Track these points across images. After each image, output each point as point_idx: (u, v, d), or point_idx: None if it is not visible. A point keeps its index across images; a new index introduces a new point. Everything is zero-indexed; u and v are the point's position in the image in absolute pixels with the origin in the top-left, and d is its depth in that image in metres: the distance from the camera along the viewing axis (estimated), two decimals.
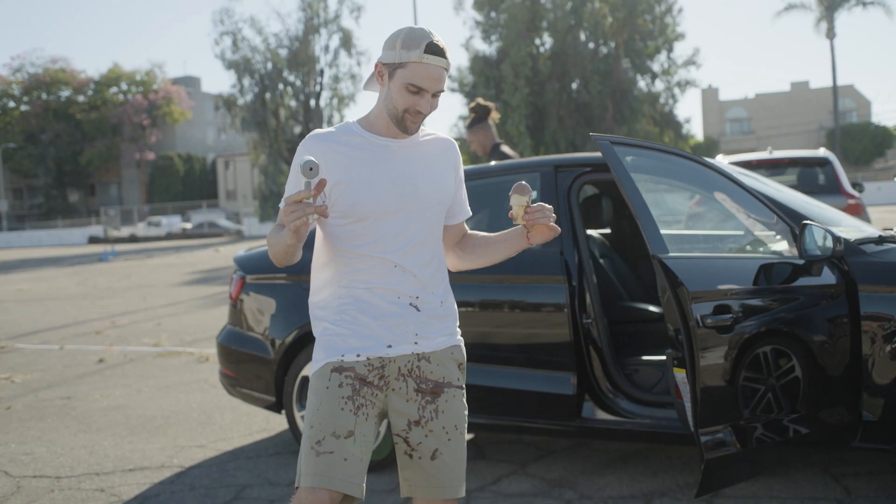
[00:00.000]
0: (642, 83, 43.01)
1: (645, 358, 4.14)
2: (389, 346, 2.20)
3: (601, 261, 4.80)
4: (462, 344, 2.35)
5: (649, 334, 4.47)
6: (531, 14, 40.15)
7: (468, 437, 4.69)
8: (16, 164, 60.50)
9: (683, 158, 3.63)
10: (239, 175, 64.91)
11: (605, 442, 4.39)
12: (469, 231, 2.44)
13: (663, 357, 3.90)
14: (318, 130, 2.25)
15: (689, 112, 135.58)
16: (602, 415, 3.83)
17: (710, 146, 53.12)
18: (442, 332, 2.27)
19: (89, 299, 14.37)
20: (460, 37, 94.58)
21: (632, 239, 5.28)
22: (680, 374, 3.10)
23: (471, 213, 2.41)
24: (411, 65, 2.11)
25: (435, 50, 2.12)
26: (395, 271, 2.20)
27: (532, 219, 2.16)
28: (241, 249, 5.10)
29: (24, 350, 8.78)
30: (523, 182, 2.16)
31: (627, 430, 3.79)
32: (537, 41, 41.37)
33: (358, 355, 2.18)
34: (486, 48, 42.16)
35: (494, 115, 5.72)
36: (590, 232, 4.92)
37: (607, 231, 5.42)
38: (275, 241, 2.10)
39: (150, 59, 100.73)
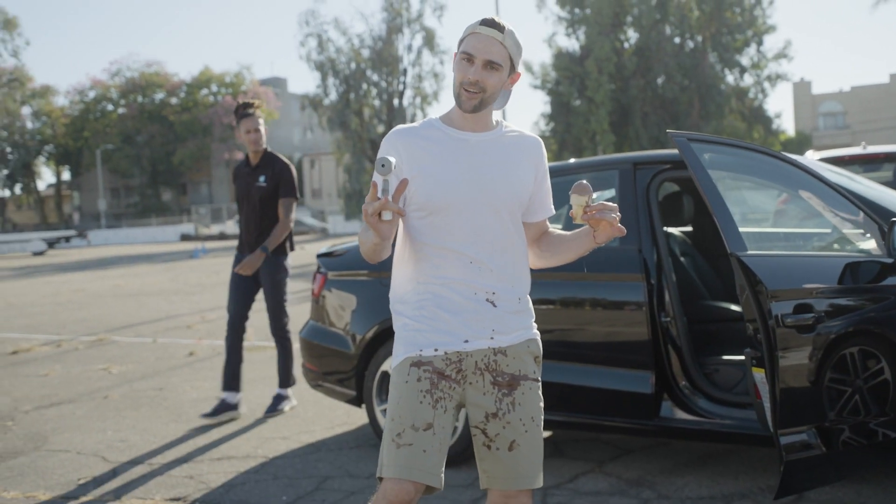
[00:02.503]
0: (730, 78, 41.95)
1: (725, 357, 4.07)
2: (466, 341, 2.24)
3: (682, 259, 4.74)
4: (538, 338, 2.37)
5: (731, 333, 4.39)
6: (616, 9, 39.63)
7: (546, 434, 4.71)
8: (113, 165, 62.94)
9: (765, 155, 3.56)
10: (324, 174, 66.07)
11: (684, 442, 4.34)
12: (550, 229, 2.46)
13: (743, 357, 3.84)
14: (400, 126, 2.32)
15: (780, 107, 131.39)
16: (681, 414, 3.80)
17: (802, 142, 51.43)
18: (518, 327, 2.30)
19: (181, 295, 14.87)
20: (543, 33, 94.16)
21: (714, 237, 5.18)
22: (759, 374, 3.06)
23: (553, 212, 2.42)
24: (466, 38, 2.21)
25: (488, 22, 2.20)
26: (472, 267, 2.24)
27: (590, 218, 2.16)
28: (324, 247, 5.23)
29: (120, 342, 9.17)
30: (584, 181, 2.16)
31: (707, 431, 3.74)
32: (621, 36, 40.80)
33: (436, 350, 2.23)
34: (570, 44, 41.80)
35: None
36: (671, 230, 4.87)
37: (689, 229, 5.34)
38: (364, 240, 2.18)
39: (239, 62, 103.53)
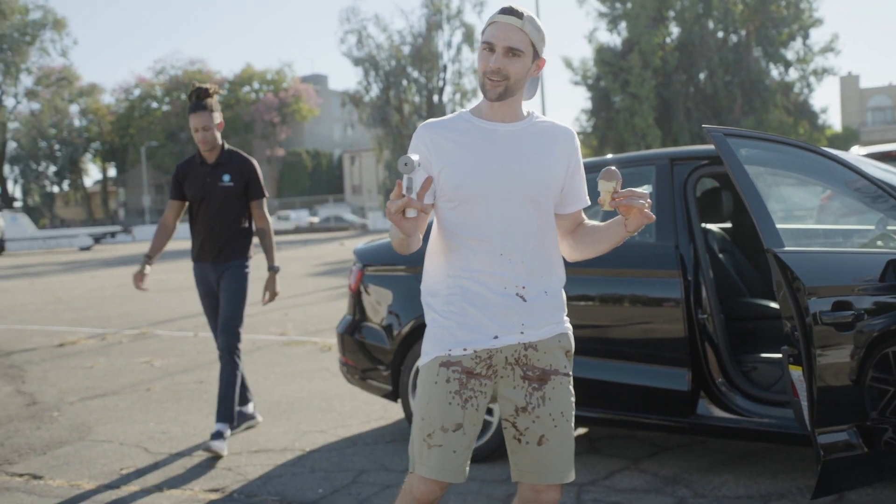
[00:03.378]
0: (775, 72, 41.27)
1: (764, 355, 4.03)
2: (496, 337, 2.24)
3: (720, 255, 4.69)
4: (570, 332, 2.36)
5: (770, 331, 4.34)
6: (658, 3, 39.21)
7: (581, 430, 4.69)
8: (157, 162, 63.88)
9: (804, 150, 3.51)
10: (364, 170, 66.40)
11: (721, 440, 4.30)
12: (585, 221, 2.43)
13: (781, 354, 3.79)
14: (430, 119, 2.33)
15: (827, 101, 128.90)
16: (717, 412, 3.76)
17: (850, 137, 50.47)
18: (549, 321, 2.29)
19: None
20: (584, 29, 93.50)
21: (753, 233, 5.12)
22: (796, 372, 3.02)
23: (588, 203, 2.39)
24: (487, 28, 2.23)
25: (506, 10, 2.21)
26: (501, 259, 2.23)
27: (619, 204, 2.12)
28: (363, 242, 5.26)
29: (162, 336, 9.32)
30: (611, 167, 2.14)
31: (744, 429, 3.70)
32: (664, 31, 40.37)
33: (465, 349, 2.24)
34: (611, 39, 41.46)
35: None
36: (709, 226, 4.82)
37: (728, 225, 5.28)
38: (392, 233, 2.20)
39: (280, 59, 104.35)
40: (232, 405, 4.66)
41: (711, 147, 4.02)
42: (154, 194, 70.96)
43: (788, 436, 3.56)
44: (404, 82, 42.29)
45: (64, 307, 13.00)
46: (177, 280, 17.59)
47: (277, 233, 50.06)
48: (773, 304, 4.48)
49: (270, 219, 4.87)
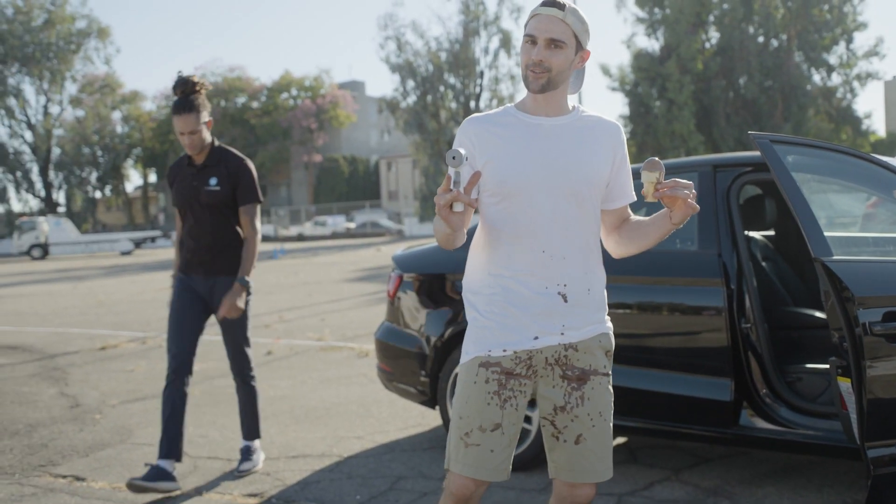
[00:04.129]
0: (816, 77, 40.65)
1: (809, 366, 3.95)
2: (536, 338, 2.23)
3: (763, 264, 4.61)
4: (610, 332, 2.34)
5: (815, 341, 4.25)
6: (698, 8, 38.85)
7: (621, 440, 4.64)
8: None
9: (853, 157, 3.43)
10: (401, 176, 66.61)
11: (764, 452, 4.22)
12: (631, 216, 2.41)
13: (828, 365, 3.71)
14: (475, 114, 2.33)
15: (870, 106, 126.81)
16: (761, 423, 3.69)
17: (894, 142, 49.52)
18: (590, 321, 2.27)
19: (259, 294, 15.18)
20: (622, 34, 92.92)
21: (798, 241, 5.03)
22: (845, 384, 2.95)
23: (634, 198, 2.36)
24: (529, 21, 2.22)
25: (548, 3, 2.19)
26: (543, 257, 2.21)
27: (661, 195, 2.09)
28: (400, 248, 5.25)
29: (200, 340, 9.39)
30: (655, 158, 2.11)
31: (789, 441, 3.63)
32: (703, 36, 39.98)
33: (504, 350, 2.23)
34: (649, 45, 41.15)
35: None
36: (753, 234, 4.75)
37: (771, 233, 5.19)
38: (437, 228, 2.19)
39: (318, 66, 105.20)
40: (257, 420, 4.47)
41: (755, 153, 3.96)
42: None
43: (835, 448, 3.48)
44: (441, 88, 42.38)
45: (105, 311, 13.20)
46: None
47: (314, 238, 50.46)
48: (819, 314, 4.39)
49: (260, 228, 4.33)
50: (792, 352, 4.14)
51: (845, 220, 6.70)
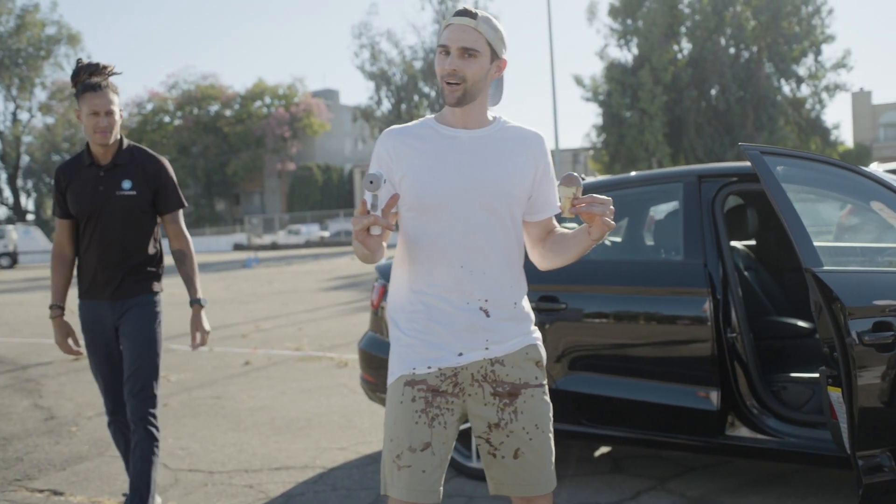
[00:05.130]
0: (786, 88, 41.24)
1: (794, 375, 3.97)
2: (460, 354, 2.19)
3: (745, 273, 4.64)
4: (538, 342, 2.29)
5: (798, 350, 4.29)
6: (670, 19, 39.28)
7: (605, 449, 4.64)
8: None
9: (837, 167, 3.47)
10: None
11: (750, 461, 4.24)
12: (557, 228, 2.36)
13: (814, 374, 3.74)
14: (394, 126, 2.28)
15: (839, 117, 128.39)
16: (747, 432, 3.71)
17: (862, 153, 50.29)
18: (515, 334, 2.24)
19: (235, 304, 15.06)
20: (595, 45, 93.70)
21: (778, 251, 5.09)
22: (835, 393, 2.97)
23: (559, 210, 2.28)
24: (442, 32, 2.18)
25: (461, 12, 2.16)
26: (463, 272, 2.17)
27: (578, 210, 2.04)
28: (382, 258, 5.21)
29: (177, 351, 9.30)
30: (572, 173, 2.07)
31: (775, 450, 3.64)
32: (675, 47, 40.40)
33: (429, 367, 2.18)
34: (622, 56, 41.51)
35: None
36: (734, 243, 4.78)
37: (752, 243, 5.24)
38: (356, 249, 2.15)
39: (292, 74, 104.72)
40: (149, 488, 3.48)
41: (739, 164, 3.99)
42: None
43: (821, 457, 3.49)
44: (416, 97, 42.43)
45: (76, 321, 13.00)
46: None
47: (288, 247, 50.19)
48: (801, 323, 4.44)
49: (190, 237, 3.75)
50: (776, 361, 4.17)
51: (821, 230, 6.76)
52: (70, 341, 3.67)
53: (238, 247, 51.81)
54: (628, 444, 4.18)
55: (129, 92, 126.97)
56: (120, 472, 4.60)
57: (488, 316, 2.19)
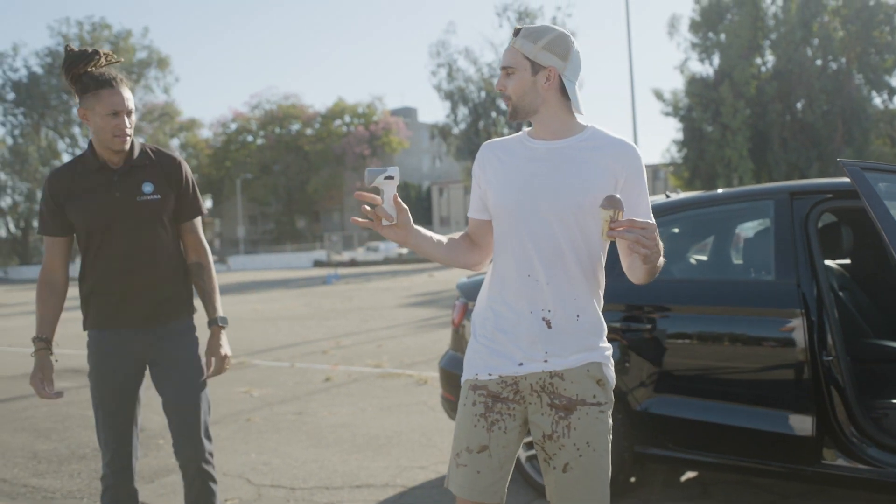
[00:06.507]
0: (877, 100, 39.80)
1: (895, 401, 3.78)
2: (520, 364, 2.24)
3: (841, 293, 4.46)
4: (605, 360, 2.26)
5: None
6: (753, 32, 38.41)
7: (692, 474, 4.50)
8: (252, 193, 65.81)
9: None
10: (452, 202, 66.81)
11: (847, 491, 4.05)
12: None
13: None
14: (493, 139, 2.40)
15: None
16: (845, 461, 3.54)
17: None
18: (577, 349, 2.23)
19: (315, 320, 15.27)
20: (675, 60, 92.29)
21: (876, 270, 4.87)
22: None
23: (651, 222, 2.23)
24: None
25: (512, 33, 2.27)
26: (528, 282, 2.21)
27: (616, 235, 1.98)
28: (461, 276, 5.20)
29: (259, 366, 9.46)
30: (614, 195, 2.00)
31: (874, 480, 3.47)
32: (759, 60, 39.46)
33: (490, 374, 2.26)
34: (703, 70, 40.76)
35: None
36: (828, 262, 4.60)
37: (847, 262, 5.03)
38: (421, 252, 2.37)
39: (371, 93, 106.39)
40: None
41: (834, 180, 3.85)
42: (248, 225, 72.99)
43: None
44: (493, 114, 42.48)
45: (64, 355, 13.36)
46: (271, 310, 17.93)
47: (367, 263, 50.71)
48: None
49: (209, 249, 3.22)
50: (875, 386, 3.98)
51: None
52: (46, 385, 2.93)
53: (318, 263, 52.63)
54: (717, 470, 4.05)
55: (213, 112, 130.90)
56: None
57: (549, 327, 2.21)
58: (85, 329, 3.03)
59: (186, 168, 3.10)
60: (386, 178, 2.15)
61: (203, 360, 3.09)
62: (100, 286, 2.96)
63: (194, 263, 3.12)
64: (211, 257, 3.18)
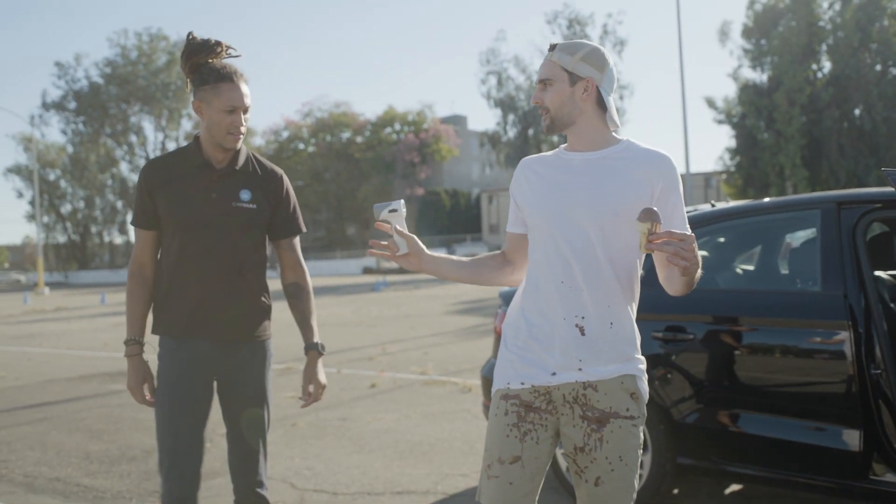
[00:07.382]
0: None
1: None
2: (554, 374, 2.22)
3: (892, 305, 4.36)
4: (639, 374, 2.24)
5: None
6: (808, 38, 37.68)
7: (736, 487, 4.44)
8: (303, 200, 66.44)
9: None
10: (502, 209, 66.71)
11: None
12: None
13: None
14: (532, 155, 2.44)
15: None
16: (894, 476, 3.46)
17: None
18: (612, 359, 2.20)
19: (363, 327, 15.37)
20: (727, 67, 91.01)
21: None
22: None
23: (688, 232, 2.21)
24: None
25: (549, 48, 2.29)
26: (562, 288, 2.21)
27: (653, 248, 1.96)
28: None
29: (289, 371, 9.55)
30: (651, 207, 1.99)
31: None
32: (814, 66, 38.69)
33: (522, 383, 2.25)
34: (756, 76, 40.09)
35: None
36: (878, 273, 4.50)
37: None
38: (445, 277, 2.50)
39: (421, 101, 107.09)
40: None
41: (882, 189, 3.77)
42: None
43: None
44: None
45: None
46: (320, 316, 18.07)
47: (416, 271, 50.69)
48: None
49: (307, 269, 3.02)
50: None
51: None
52: (146, 388, 2.86)
53: (367, 270, 53.00)
54: (761, 483, 3.98)
55: (266, 120, 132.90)
56: None
57: (583, 334, 2.20)
58: (154, 332, 2.86)
59: (288, 183, 2.95)
60: (390, 210, 2.26)
61: (301, 387, 2.95)
62: (176, 288, 2.80)
63: (291, 284, 2.96)
64: (309, 278, 2.99)
